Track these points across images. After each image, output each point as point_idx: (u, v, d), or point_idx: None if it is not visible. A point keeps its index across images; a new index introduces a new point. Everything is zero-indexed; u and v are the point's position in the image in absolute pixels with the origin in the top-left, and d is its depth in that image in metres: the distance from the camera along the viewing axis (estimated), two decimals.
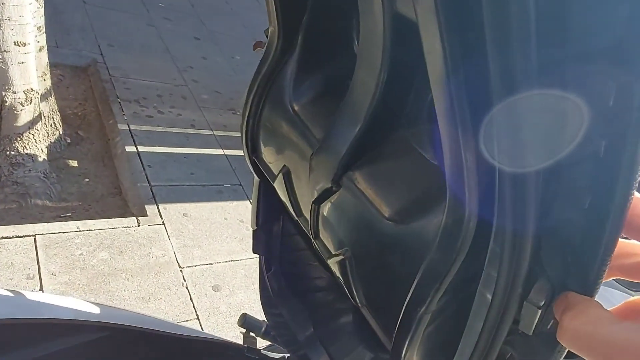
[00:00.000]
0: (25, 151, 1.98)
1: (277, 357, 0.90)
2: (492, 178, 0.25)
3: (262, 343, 0.89)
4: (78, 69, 2.89)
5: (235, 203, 2.48)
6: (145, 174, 2.34)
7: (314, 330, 0.82)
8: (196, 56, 3.64)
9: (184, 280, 1.98)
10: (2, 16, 1.65)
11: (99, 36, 3.23)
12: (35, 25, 1.84)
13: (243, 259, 2.19)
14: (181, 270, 2.01)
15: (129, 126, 2.57)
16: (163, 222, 2.15)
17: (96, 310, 0.74)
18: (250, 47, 3.12)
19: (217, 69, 3.63)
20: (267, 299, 0.87)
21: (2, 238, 1.72)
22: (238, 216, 2.41)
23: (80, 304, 0.73)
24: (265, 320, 0.92)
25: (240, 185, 2.62)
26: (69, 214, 2.05)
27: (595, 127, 0.21)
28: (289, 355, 0.87)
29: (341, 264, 0.45)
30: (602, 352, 0.25)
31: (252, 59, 3.46)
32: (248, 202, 2.53)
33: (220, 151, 2.79)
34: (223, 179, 2.60)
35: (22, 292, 0.69)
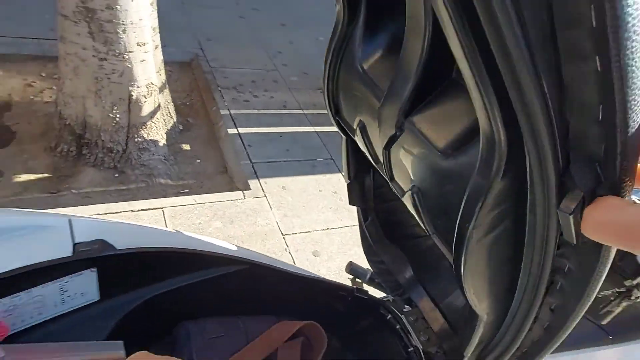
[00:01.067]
0: (149, 138, 2.30)
1: (382, 298, 0.99)
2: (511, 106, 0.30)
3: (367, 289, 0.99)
4: (183, 64, 3.23)
5: (328, 176, 2.63)
6: (247, 153, 2.57)
7: (415, 274, 0.90)
8: (284, 41, 3.83)
9: (287, 246, 2.18)
10: (126, 21, 1.93)
11: (198, 32, 3.55)
12: (151, 27, 2.12)
13: (339, 227, 2.34)
14: (283, 238, 2.21)
15: (229, 111, 2.83)
16: (265, 195, 2.37)
17: (228, 246, 0.90)
18: (332, 27, 3.21)
19: (303, 51, 3.79)
20: (367, 247, 0.96)
21: (139, 210, 2.05)
22: (331, 188, 2.55)
23: (212, 240, 0.89)
24: (370, 268, 1.01)
25: (332, 159, 2.76)
26: (187, 190, 2.35)
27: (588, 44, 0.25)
28: (393, 298, 0.95)
29: (412, 199, 0.52)
30: (623, 234, 0.26)
31: None
32: (340, 175, 2.66)
33: (311, 128, 2.96)
34: (316, 154, 2.76)
35: (161, 228, 0.85)
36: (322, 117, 3.07)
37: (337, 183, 2.58)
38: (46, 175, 2.23)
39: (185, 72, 3.19)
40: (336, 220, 2.37)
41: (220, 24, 3.78)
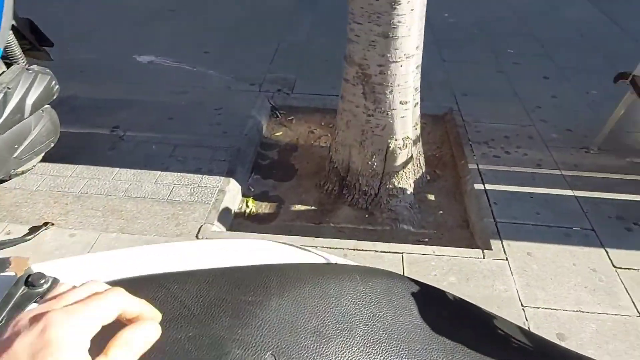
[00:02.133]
0: (399, 185, 2.50)
1: None
2: None
3: None
4: (437, 117, 3.39)
5: (586, 249, 2.29)
6: (491, 210, 2.49)
7: None
8: (545, 95, 3.59)
9: (526, 320, 1.99)
10: (394, 83, 2.20)
11: (455, 87, 3.68)
12: (414, 87, 2.34)
13: (595, 313, 2.00)
14: (523, 309, 2.03)
15: (477, 166, 2.81)
16: (507, 257, 2.23)
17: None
18: (611, 79, 2.85)
19: (568, 106, 3.46)
20: None
21: (381, 252, 2.23)
22: (589, 264, 2.21)
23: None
24: None
25: (593, 230, 2.39)
26: (426, 240, 2.43)
27: None
28: None
29: None
30: None
31: (612, 92, 3.12)
32: (602, 249, 2.29)
33: (569, 192, 2.65)
34: (572, 222, 2.45)
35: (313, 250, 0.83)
36: (584, 180, 2.71)
37: (597, 260, 2.22)
38: (313, 207, 2.68)
39: (438, 125, 3.35)
40: (592, 303, 2.03)
41: (478, 78, 3.83)
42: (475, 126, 3.20)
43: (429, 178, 2.80)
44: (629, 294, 2.06)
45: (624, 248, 2.31)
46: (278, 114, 3.39)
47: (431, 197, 2.70)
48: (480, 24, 4.93)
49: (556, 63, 4.09)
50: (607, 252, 2.28)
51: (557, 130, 3.19)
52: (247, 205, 2.65)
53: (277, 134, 3.26)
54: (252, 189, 2.79)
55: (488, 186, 2.66)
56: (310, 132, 3.27)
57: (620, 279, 2.14)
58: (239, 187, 2.67)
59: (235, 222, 2.57)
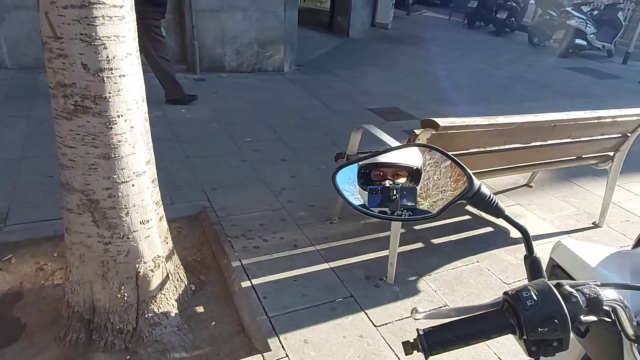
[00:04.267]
0: (160, 310, 2.22)
1: None
2: None
3: None
4: (192, 218, 3.27)
5: (350, 318, 2.47)
6: (262, 307, 2.45)
7: None
8: (286, 177, 3.93)
9: None
10: (128, 205, 1.97)
11: (204, 183, 3.66)
12: (154, 202, 2.16)
13: None
14: None
15: (240, 262, 2.78)
16: (286, 353, 2.19)
17: None
18: (333, 153, 3.29)
19: (307, 183, 3.86)
20: None
21: None
22: (356, 331, 2.38)
23: None
24: None
25: (352, 296, 2.62)
26: None
27: None
28: None
29: None
30: None
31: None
32: (362, 313, 2.50)
33: (326, 265, 2.86)
34: (334, 294, 2.62)
35: None
36: (335, 250, 2.99)
37: (361, 325, 2.41)
38: None
39: (194, 226, 3.22)
40: None
41: (224, 170, 3.92)
42: (230, 220, 3.20)
43: (194, 288, 2.60)
44: (391, 349, 2.28)
45: (378, 305, 2.59)
46: None
47: (200, 309, 2.50)
48: (217, 117, 5.19)
49: (289, 145, 4.59)
50: (366, 314, 2.51)
51: (303, 208, 3.48)
52: None
53: None
54: None
55: (254, 281, 2.64)
56: (39, 269, 2.66)
57: (382, 336, 2.36)
58: None
59: None
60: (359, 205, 0.86)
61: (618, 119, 3.12)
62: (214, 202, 3.41)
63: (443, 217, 3.55)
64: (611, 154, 3.56)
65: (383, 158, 0.90)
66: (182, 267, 2.53)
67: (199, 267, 2.83)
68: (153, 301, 2.19)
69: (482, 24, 14.63)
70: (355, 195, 0.88)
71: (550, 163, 3.43)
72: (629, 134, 3.44)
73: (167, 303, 2.27)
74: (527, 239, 0.76)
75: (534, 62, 10.66)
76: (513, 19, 13.47)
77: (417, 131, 2.30)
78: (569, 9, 11.59)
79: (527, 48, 12.41)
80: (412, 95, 6.99)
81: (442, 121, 2.19)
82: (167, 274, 2.29)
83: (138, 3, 5.70)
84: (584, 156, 3.48)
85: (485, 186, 0.81)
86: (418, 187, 0.86)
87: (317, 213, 3.43)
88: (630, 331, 0.64)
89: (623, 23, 12.05)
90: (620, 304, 0.65)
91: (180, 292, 2.44)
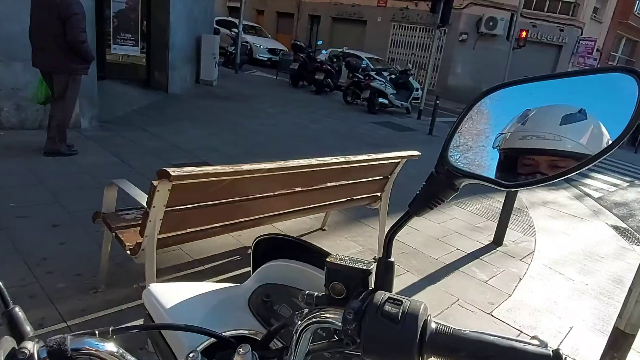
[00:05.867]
0: None
1: None
2: None
3: None
4: None
5: None
6: None
7: None
8: (52, 245, 3.42)
9: None
10: None
11: None
12: None
13: None
14: None
15: None
16: None
17: None
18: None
19: (78, 249, 3.41)
20: None
21: None
22: None
23: None
24: None
25: None
26: None
27: None
28: None
29: None
30: None
31: None
32: None
33: None
34: None
35: None
36: (90, 324, 2.62)
37: None
38: None
39: None
40: None
41: None
42: None
43: None
44: None
45: None
46: None
47: None
48: None
49: (67, 208, 4.07)
50: None
51: (65, 278, 3.03)
52: None
53: None
54: None
55: None
56: None
57: None
58: None
59: None
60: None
61: (373, 162, 3.51)
62: None
63: None
64: (379, 194, 3.98)
65: (537, 143, 0.62)
66: None
67: None
68: None
69: (305, 84, 15.91)
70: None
71: (326, 206, 3.66)
72: (389, 176, 3.89)
73: None
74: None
75: (346, 118, 11.87)
76: (329, 80, 14.97)
77: (154, 182, 2.19)
78: (372, 73, 13.38)
79: (341, 105, 13.82)
80: (227, 149, 7.04)
81: (174, 171, 2.12)
82: None
83: (68, 60, 5.23)
84: (355, 197, 3.80)
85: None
86: None
87: (81, 283, 3.01)
88: None
89: (414, 86, 14.38)
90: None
91: None
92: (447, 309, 3.42)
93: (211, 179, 2.29)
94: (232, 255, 3.74)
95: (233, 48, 16.62)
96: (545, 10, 19.95)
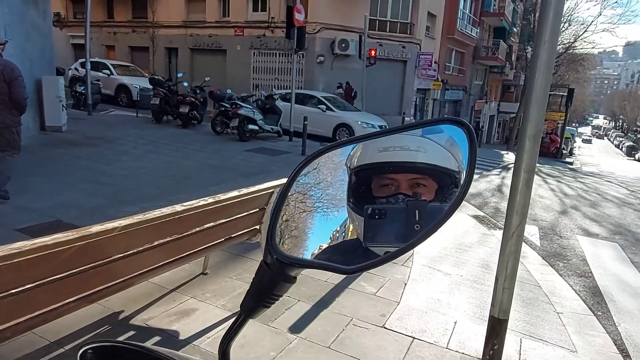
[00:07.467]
0: None
1: None
2: None
3: None
4: None
5: None
6: None
7: None
8: None
9: None
10: None
11: None
12: None
13: None
14: None
15: None
16: None
17: None
18: None
19: None
20: None
21: None
22: None
23: None
24: None
25: None
26: None
27: None
28: None
29: None
30: None
31: None
32: None
33: None
34: None
35: None
36: None
37: None
38: None
39: None
40: None
41: None
42: None
43: None
44: None
45: None
46: None
47: None
48: None
49: None
50: None
51: None
52: None
53: None
54: None
55: None
56: None
57: None
58: None
59: None
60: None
61: (246, 197, 3.36)
62: None
63: None
64: (258, 227, 3.83)
65: (396, 155, 0.57)
66: None
67: None
68: None
69: (170, 119, 15.15)
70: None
71: (204, 249, 3.40)
72: (265, 207, 3.78)
73: None
74: None
75: (219, 149, 11.55)
76: (195, 112, 14.47)
77: None
78: (238, 101, 13.28)
79: (212, 137, 13.44)
80: (86, 202, 6.26)
81: None
82: None
83: (7, 113, 5.43)
84: (233, 235, 3.60)
85: None
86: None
87: None
88: None
89: (281, 109, 14.62)
90: None
91: None
92: (342, 332, 3.39)
93: (49, 251, 1.91)
94: (100, 326, 3.24)
95: (83, 88, 15.18)
96: (388, 30, 22.05)
